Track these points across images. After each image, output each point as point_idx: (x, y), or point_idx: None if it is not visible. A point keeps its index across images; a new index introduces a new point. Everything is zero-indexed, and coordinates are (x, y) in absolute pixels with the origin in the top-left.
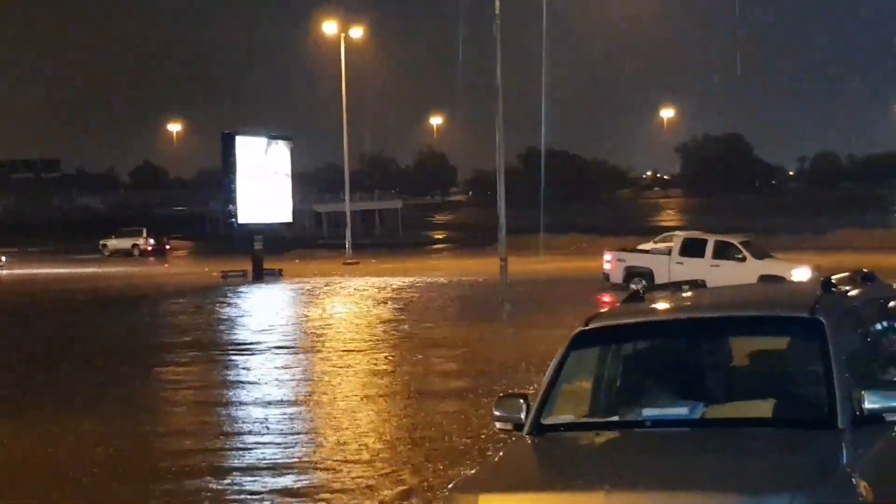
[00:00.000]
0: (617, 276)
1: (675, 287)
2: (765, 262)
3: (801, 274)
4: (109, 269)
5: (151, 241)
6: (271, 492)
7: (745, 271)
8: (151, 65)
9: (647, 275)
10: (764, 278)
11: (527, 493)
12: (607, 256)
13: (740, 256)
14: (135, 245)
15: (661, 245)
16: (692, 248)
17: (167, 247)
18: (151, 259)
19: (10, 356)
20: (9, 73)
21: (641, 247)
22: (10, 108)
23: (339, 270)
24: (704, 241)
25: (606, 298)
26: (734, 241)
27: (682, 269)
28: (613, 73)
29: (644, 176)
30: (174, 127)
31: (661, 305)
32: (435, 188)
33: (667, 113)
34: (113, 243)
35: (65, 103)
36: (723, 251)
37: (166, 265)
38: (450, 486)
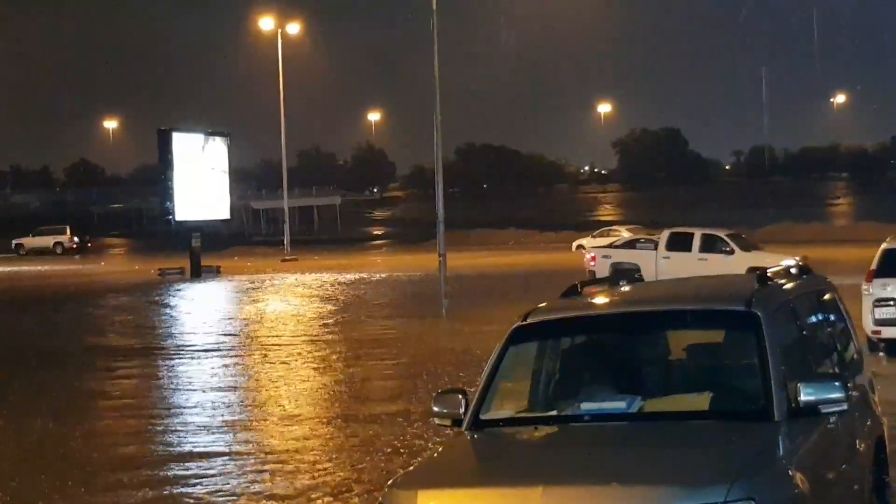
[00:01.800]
0: (604, 273)
1: (613, 281)
2: (752, 254)
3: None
4: (42, 267)
5: (76, 238)
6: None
7: (734, 264)
8: (88, 61)
9: (635, 271)
10: (752, 270)
11: (465, 488)
12: (590, 254)
13: (728, 249)
14: (57, 243)
15: (600, 240)
16: (678, 243)
17: (89, 244)
18: (77, 257)
19: None
20: None
21: (579, 242)
22: None
23: (277, 267)
24: (691, 235)
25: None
26: (721, 234)
27: (670, 263)
28: (552, 69)
29: (582, 171)
30: (111, 124)
31: (599, 300)
32: (373, 184)
33: (604, 108)
34: (30, 241)
35: (0, 100)
36: (710, 245)
37: (102, 263)
38: (389, 482)
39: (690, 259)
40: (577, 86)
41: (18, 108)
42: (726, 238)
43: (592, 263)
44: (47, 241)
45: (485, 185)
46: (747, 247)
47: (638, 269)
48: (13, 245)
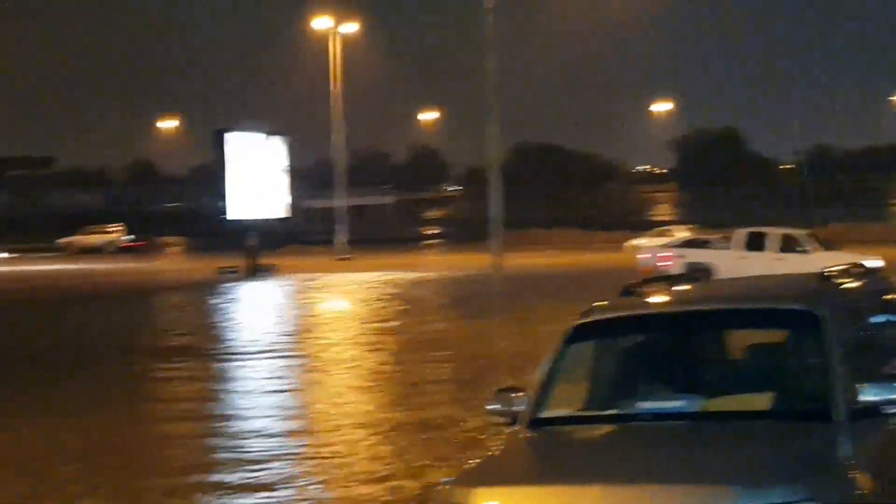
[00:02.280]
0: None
1: (671, 280)
2: (831, 254)
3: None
4: (96, 265)
5: (129, 236)
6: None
7: (811, 264)
8: (145, 62)
9: (710, 270)
10: None
11: (523, 486)
12: (665, 252)
13: (805, 249)
14: (110, 242)
15: (655, 240)
16: (755, 242)
17: (141, 243)
18: (128, 255)
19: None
20: (3, 70)
21: (634, 242)
22: (5, 105)
23: (332, 267)
24: (767, 235)
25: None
26: (799, 233)
27: (745, 262)
28: (608, 67)
29: (637, 170)
30: (168, 124)
31: (658, 299)
32: (428, 183)
33: (661, 107)
34: (81, 240)
35: (59, 101)
36: (787, 244)
37: (158, 261)
38: (445, 480)
39: (767, 258)
40: (634, 84)
41: (78, 109)
42: (803, 238)
43: (667, 263)
44: (99, 239)
45: (539, 185)
46: (825, 246)
47: (711, 270)
48: (60, 243)
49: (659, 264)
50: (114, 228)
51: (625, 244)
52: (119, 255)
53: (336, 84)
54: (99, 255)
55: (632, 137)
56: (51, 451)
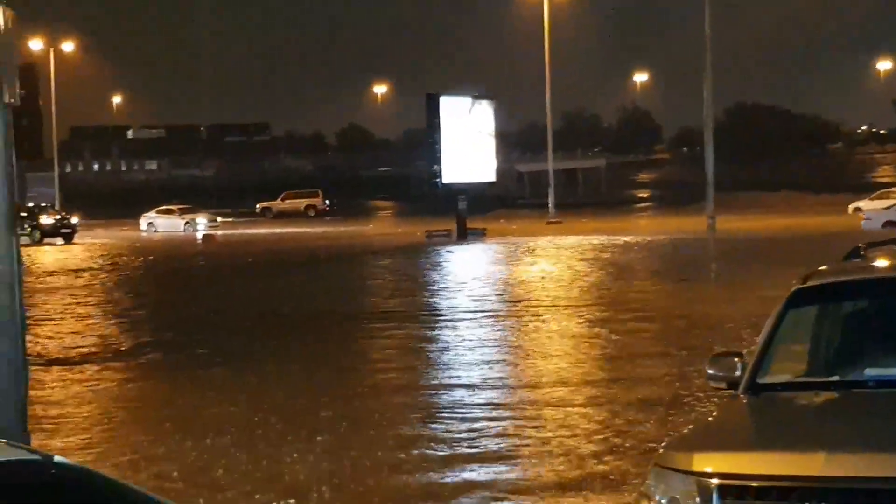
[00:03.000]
0: None
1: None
2: None
3: None
4: (305, 229)
5: (326, 202)
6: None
7: None
8: (357, 28)
9: None
10: None
11: (743, 452)
12: (890, 215)
13: None
14: (310, 206)
15: (878, 203)
16: None
17: (334, 208)
18: (327, 219)
19: (230, 314)
20: (222, 40)
21: (856, 204)
22: (223, 73)
23: (542, 230)
24: None
25: None
26: None
27: None
28: (826, 24)
29: (859, 130)
30: (380, 89)
31: (882, 263)
32: (639, 146)
33: (884, 64)
34: (278, 205)
35: (275, 68)
36: None
37: (370, 225)
38: (664, 444)
39: None
40: (853, 41)
41: (293, 75)
42: None
43: (893, 226)
44: (297, 204)
45: (757, 147)
46: None
47: None
48: (258, 209)
49: (883, 227)
50: (313, 193)
51: (848, 207)
52: (316, 219)
53: (547, 46)
54: (299, 219)
55: (853, 96)
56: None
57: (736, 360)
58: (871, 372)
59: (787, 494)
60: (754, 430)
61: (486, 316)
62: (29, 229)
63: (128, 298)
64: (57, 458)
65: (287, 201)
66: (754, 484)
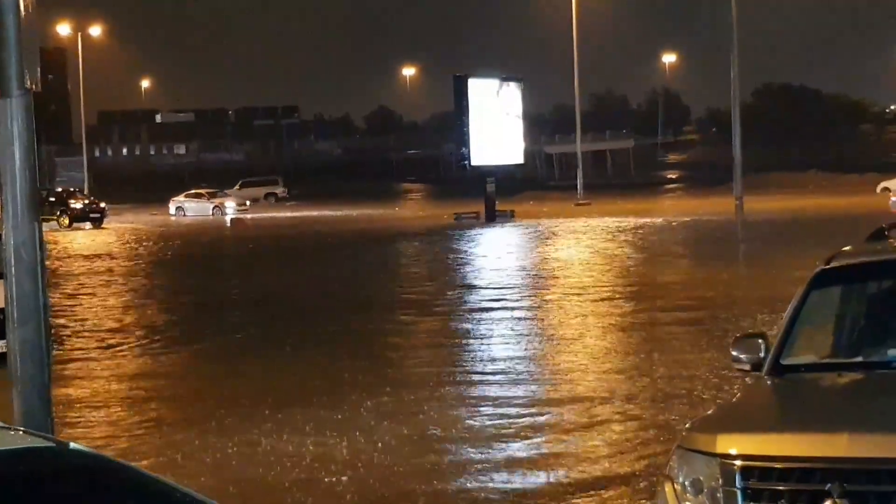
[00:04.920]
0: None
1: None
2: None
3: None
4: (347, 212)
5: (285, 190)
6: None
7: None
8: (386, 10)
9: None
10: None
11: (766, 433)
12: None
13: None
14: (269, 193)
15: None
16: None
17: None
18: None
19: (261, 297)
20: (251, 23)
21: (885, 184)
22: (252, 57)
23: (570, 212)
24: None
25: None
26: None
27: None
28: (857, 4)
29: (888, 110)
30: (408, 71)
31: None
32: (667, 127)
33: None
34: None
35: (303, 51)
36: None
37: (397, 208)
38: (687, 425)
39: None
40: (884, 21)
41: (322, 58)
42: None
43: None
44: (257, 192)
45: (786, 127)
46: None
47: None
48: (265, 195)
49: None
50: (268, 181)
51: (877, 187)
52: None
53: (575, 27)
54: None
55: (883, 76)
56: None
57: (759, 341)
58: (894, 353)
59: (811, 476)
60: (778, 412)
61: (514, 297)
62: (58, 214)
63: (194, 283)
64: (73, 445)
65: (245, 189)
66: (778, 465)
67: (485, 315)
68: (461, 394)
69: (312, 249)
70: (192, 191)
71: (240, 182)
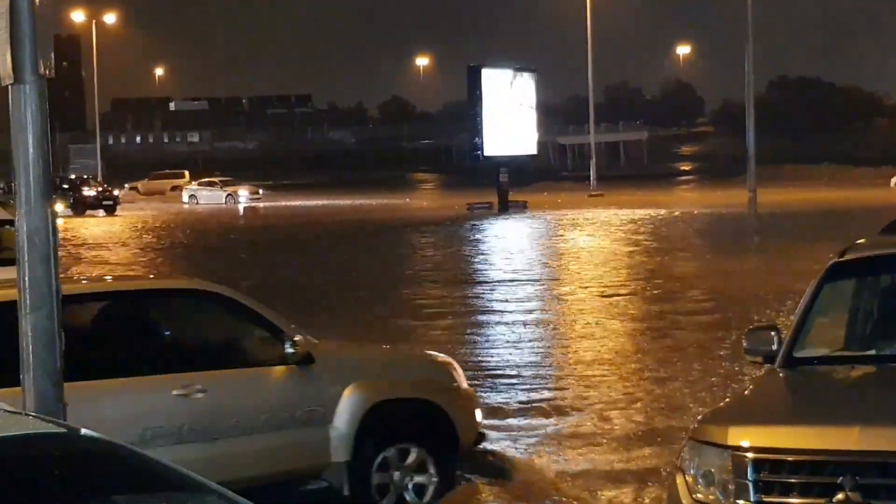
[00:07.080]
0: None
1: None
2: None
3: None
4: (356, 201)
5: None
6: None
7: None
8: (400, 0)
9: None
10: None
11: (778, 426)
12: None
13: None
14: (175, 187)
15: None
16: None
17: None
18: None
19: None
20: (265, 12)
21: None
22: (267, 45)
23: (583, 203)
24: None
25: None
26: None
27: None
28: None
29: None
30: (421, 61)
31: None
32: (681, 119)
33: None
34: (145, 185)
35: (317, 40)
36: None
37: (407, 199)
38: (699, 417)
39: None
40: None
41: (335, 47)
42: None
43: None
44: (163, 185)
45: (800, 120)
46: None
47: None
48: (128, 187)
49: None
50: (175, 174)
51: (892, 180)
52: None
53: (589, 18)
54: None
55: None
56: None
57: (772, 333)
58: None
59: (822, 468)
60: (790, 404)
61: (524, 288)
62: (70, 200)
63: (236, 268)
64: (84, 431)
65: (154, 181)
66: (789, 458)
67: (487, 303)
68: None
69: (341, 238)
70: (206, 179)
71: (150, 174)
